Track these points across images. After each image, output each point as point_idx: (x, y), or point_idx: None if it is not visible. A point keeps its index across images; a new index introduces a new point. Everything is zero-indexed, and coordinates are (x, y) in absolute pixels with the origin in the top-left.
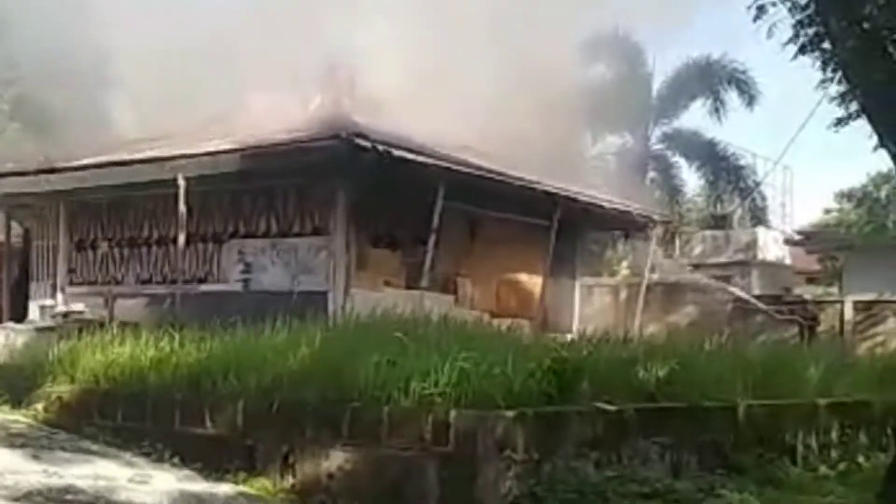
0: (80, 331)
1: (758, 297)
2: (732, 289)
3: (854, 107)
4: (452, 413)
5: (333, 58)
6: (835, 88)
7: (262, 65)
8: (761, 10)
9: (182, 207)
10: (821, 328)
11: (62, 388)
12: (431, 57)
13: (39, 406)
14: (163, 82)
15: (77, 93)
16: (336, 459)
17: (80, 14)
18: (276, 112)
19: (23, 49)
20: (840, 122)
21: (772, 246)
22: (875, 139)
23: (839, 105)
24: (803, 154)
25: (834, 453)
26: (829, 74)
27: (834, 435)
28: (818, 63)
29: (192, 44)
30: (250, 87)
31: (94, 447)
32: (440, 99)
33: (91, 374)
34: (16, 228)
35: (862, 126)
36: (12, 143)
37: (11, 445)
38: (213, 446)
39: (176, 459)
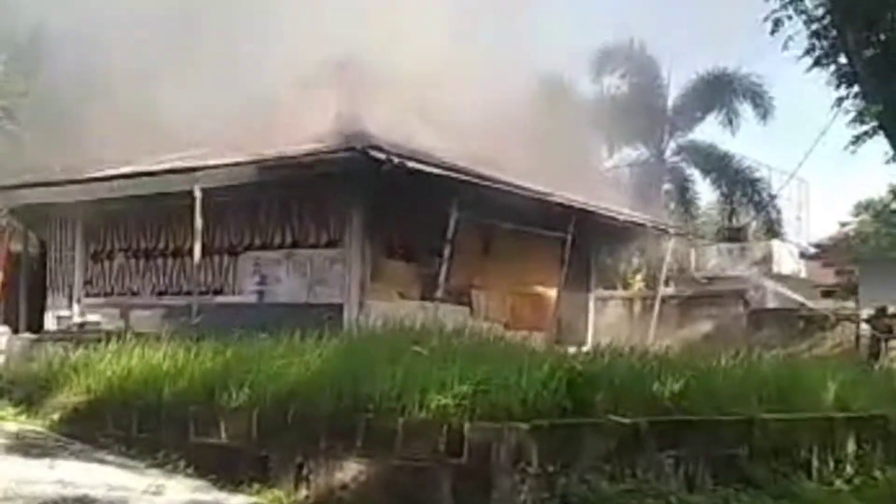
0: (97, 341)
1: (774, 311)
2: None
3: (871, 123)
4: (467, 425)
5: (345, 56)
6: (851, 103)
7: (274, 66)
8: (777, 23)
9: (198, 219)
10: (836, 341)
11: (77, 398)
12: (444, 63)
13: (55, 415)
14: (171, 90)
15: (92, 102)
16: (350, 471)
17: (93, 22)
18: (291, 121)
19: (37, 59)
20: (857, 140)
21: (787, 259)
22: (891, 151)
23: (856, 123)
24: (820, 166)
25: (850, 468)
26: (844, 91)
27: (850, 449)
28: (834, 79)
29: (200, 50)
30: (264, 93)
31: (109, 457)
32: (452, 107)
33: (106, 384)
34: (32, 238)
35: (878, 137)
36: (27, 153)
37: (27, 454)
38: (227, 457)
39: (190, 470)
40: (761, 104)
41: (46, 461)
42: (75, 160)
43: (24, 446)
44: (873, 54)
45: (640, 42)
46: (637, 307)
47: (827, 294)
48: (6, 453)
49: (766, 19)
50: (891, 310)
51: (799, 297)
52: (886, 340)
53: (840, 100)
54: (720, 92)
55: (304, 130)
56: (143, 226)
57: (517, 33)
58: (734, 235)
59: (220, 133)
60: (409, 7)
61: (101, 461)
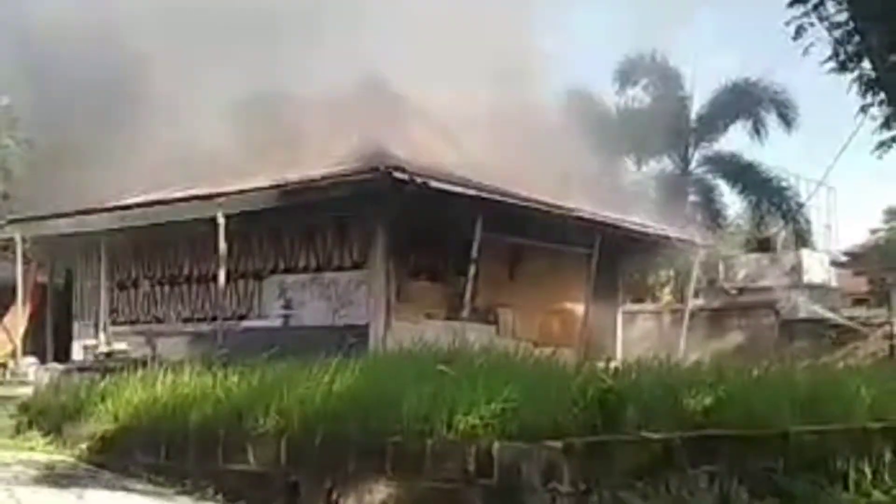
0: (123, 369)
1: (803, 321)
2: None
3: None
4: (496, 445)
5: (367, 78)
6: (876, 111)
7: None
8: (800, 29)
9: (222, 245)
10: (870, 350)
11: (105, 427)
12: (466, 80)
13: (84, 445)
14: (194, 117)
15: (114, 132)
16: (380, 494)
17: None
18: (316, 144)
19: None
20: (882, 145)
21: (817, 268)
22: None
23: (882, 129)
24: (849, 174)
25: (888, 478)
26: (870, 100)
27: (887, 459)
28: (858, 85)
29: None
30: (287, 116)
31: (138, 486)
32: (475, 123)
33: (133, 412)
34: (58, 269)
35: None
36: (48, 184)
37: (57, 485)
38: (256, 483)
39: (219, 497)
40: (786, 113)
41: (76, 491)
42: (99, 190)
43: (54, 476)
44: None
45: (663, 53)
46: (666, 320)
47: (859, 302)
48: (36, 484)
49: (787, 24)
50: None
51: (829, 307)
52: None
53: (865, 107)
54: (745, 101)
55: (328, 153)
56: (168, 253)
57: (542, 48)
58: (763, 245)
59: (243, 159)
60: (429, 26)
61: (130, 490)
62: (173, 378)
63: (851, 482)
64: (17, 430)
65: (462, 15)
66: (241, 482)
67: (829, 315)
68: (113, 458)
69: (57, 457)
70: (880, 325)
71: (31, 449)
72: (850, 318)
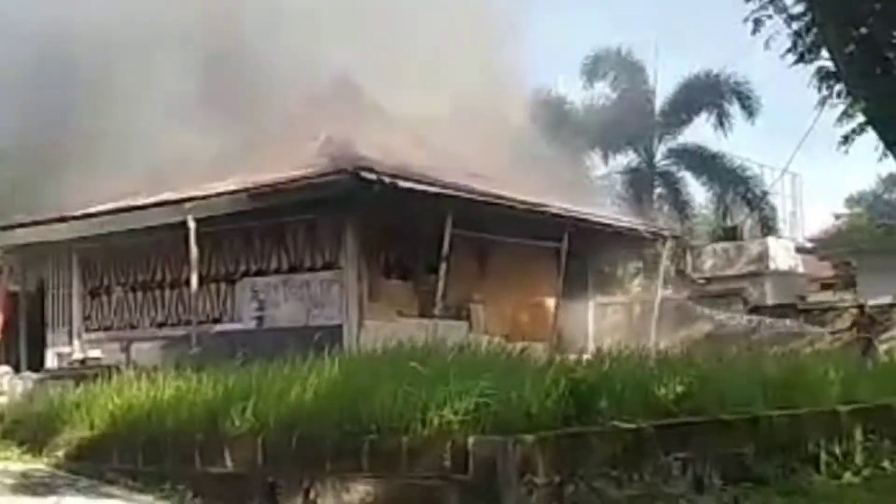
0: (97, 376)
1: (771, 308)
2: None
3: (859, 119)
4: (471, 440)
5: (334, 80)
6: (836, 101)
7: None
8: (758, 22)
9: (193, 249)
10: (835, 336)
11: (81, 434)
12: (433, 79)
13: (59, 452)
14: (161, 121)
15: (82, 139)
16: (357, 492)
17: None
18: (283, 146)
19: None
20: (846, 139)
21: (783, 255)
22: (881, 146)
23: (843, 121)
24: (811, 161)
25: (858, 459)
26: (827, 91)
27: (857, 441)
28: (816, 78)
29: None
30: (254, 120)
31: (116, 492)
32: (442, 122)
33: (109, 418)
34: (29, 278)
35: (869, 132)
36: (20, 193)
37: (34, 493)
38: (234, 484)
39: (198, 500)
40: (748, 104)
41: (53, 499)
42: (69, 198)
43: (31, 485)
44: (854, 50)
45: (628, 47)
46: (636, 311)
47: (825, 287)
48: (13, 493)
49: (745, 20)
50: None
51: (796, 293)
52: (871, 338)
53: (824, 98)
54: (707, 94)
55: (296, 155)
56: (140, 259)
57: (509, 47)
58: (729, 234)
59: (211, 163)
60: (397, 28)
61: (108, 496)
62: (148, 383)
63: (823, 464)
64: None
65: (428, 16)
66: (218, 484)
67: (796, 299)
68: (90, 464)
69: (33, 466)
70: (846, 308)
71: (7, 458)
72: (817, 303)
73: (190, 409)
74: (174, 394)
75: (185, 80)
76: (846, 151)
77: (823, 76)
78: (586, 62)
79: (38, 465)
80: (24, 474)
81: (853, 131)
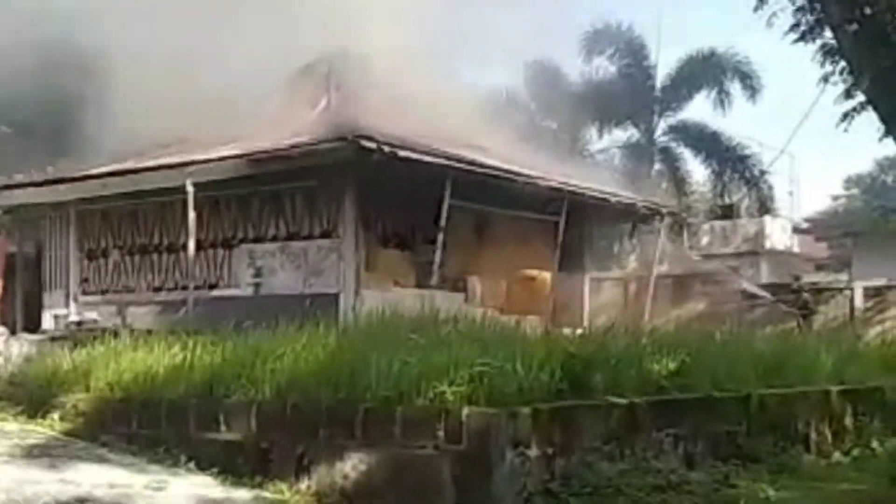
0: (94, 339)
1: (765, 286)
2: (742, 282)
3: (859, 98)
4: (465, 411)
5: (333, 48)
6: (838, 79)
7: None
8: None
9: (191, 214)
10: (830, 315)
11: (77, 397)
12: (432, 49)
13: (55, 415)
14: (162, 87)
15: (81, 102)
16: (351, 460)
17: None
18: (282, 114)
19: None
20: (846, 116)
21: (780, 235)
22: (881, 128)
23: (844, 99)
24: (810, 142)
25: (847, 439)
26: (830, 67)
27: (847, 421)
28: (819, 55)
29: (184, 45)
30: (254, 87)
31: (111, 455)
32: (442, 93)
33: (105, 382)
34: (27, 239)
35: (868, 113)
36: (20, 157)
37: (29, 455)
38: (228, 451)
39: (192, 465)
40: (750, 82)
41: (48, 461)
42: (68, 159)
43: (26, 447)
44: (857, 28)
45: (629, 23)
46: (632, 287)
47: (820, 268)
48: (8, 455)
49: None
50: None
51: (791, 273)
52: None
53: (826, 76)
54: (709, 71)
55: (295, 123)
56: (138, 222)
57: (507, 19)
58: (726, 213)
59: (211, 128)
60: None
61: (103, 459)
62: (145, 348)
63: (813, 443)
64: None
65: None
66: (213, 450)
67: (790, 280)
68: (85, 428)
69: (28, 427)
70: (840, 290)
71: (3, 420)
72: (812, 284)
73: (186, 375)
74: (170, 359)
75: (188, 47)
76: (846, 129)
77: (828, 51)
78: (586, 36)
79: (34, 427)
80: (18, 436)
81: (853, 109)
